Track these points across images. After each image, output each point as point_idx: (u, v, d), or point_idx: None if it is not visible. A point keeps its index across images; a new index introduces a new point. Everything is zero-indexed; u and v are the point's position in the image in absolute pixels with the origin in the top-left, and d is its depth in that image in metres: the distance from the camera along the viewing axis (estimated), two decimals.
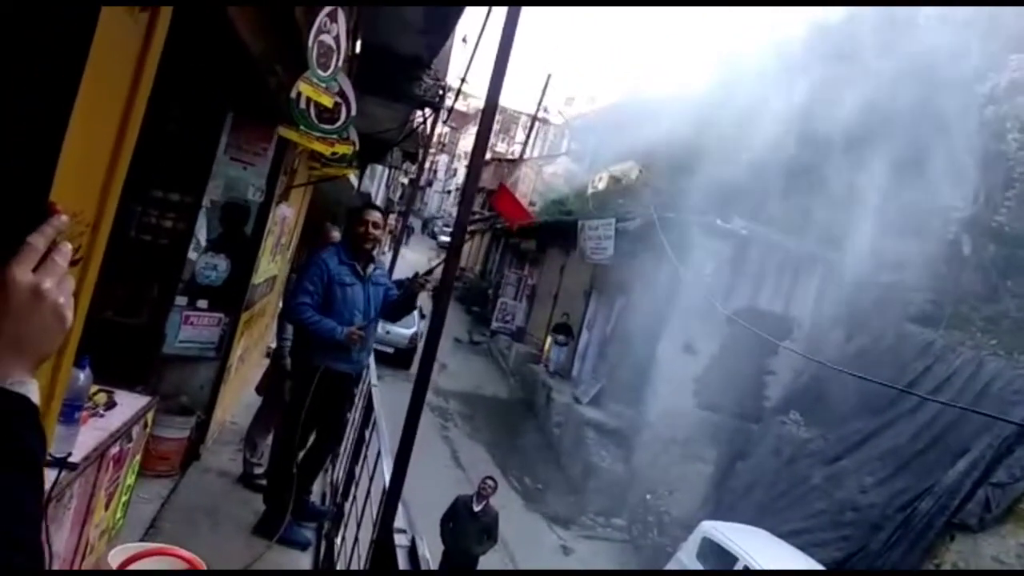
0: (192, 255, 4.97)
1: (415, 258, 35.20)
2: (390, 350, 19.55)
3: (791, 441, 13.33)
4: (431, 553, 8.87)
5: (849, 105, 13.11)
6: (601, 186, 23.26)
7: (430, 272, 4.42)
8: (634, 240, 15.41)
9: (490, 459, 15.08)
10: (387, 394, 18.97)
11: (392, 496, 2.59)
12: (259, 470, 5.09)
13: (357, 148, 5.07)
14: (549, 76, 31.42)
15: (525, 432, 17.10)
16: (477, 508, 8.76)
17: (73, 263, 1.49)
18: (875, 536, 10.81)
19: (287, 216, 6.04)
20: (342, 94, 3.76)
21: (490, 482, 8.98)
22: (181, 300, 4.95)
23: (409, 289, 4.41)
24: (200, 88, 4.52)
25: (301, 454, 4.61)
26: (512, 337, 24.24)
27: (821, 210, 13.64)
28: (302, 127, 3.85)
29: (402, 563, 2.01)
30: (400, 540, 2.16)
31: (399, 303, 4.51)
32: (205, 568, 2.90)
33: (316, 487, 5.18)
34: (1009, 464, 10.26)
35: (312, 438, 4.52)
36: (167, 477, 4.92)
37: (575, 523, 13.37)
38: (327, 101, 3.48)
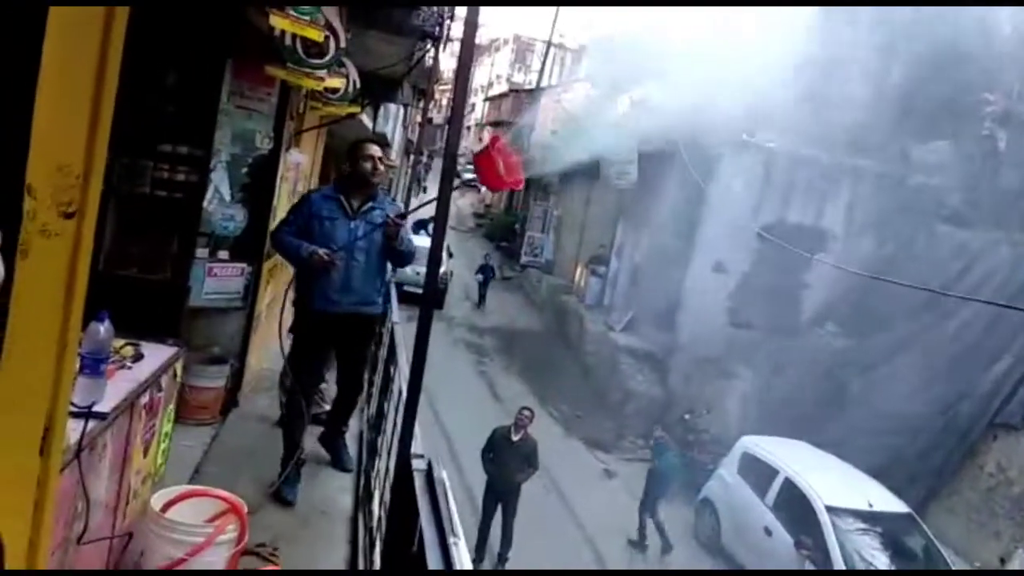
0: (209, 207, 5.00)
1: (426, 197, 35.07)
2: (421, 291, 19.72)
3: (828, 352, 13.27)
4: (472, 482, 9.04)
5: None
6: (623, 110, 22.82)
7: (404, 216, 4.18)
8: (658, 163, 15.16)
9: (528, 391, 15.27)
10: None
11: (408, 421, 2.64)
12: (325, 406, 5.20)
13: (357, 84, 4.99)
14: None
15: (561, 363, 17.26)
16: (515, 438, 8.91)
17: (68, 216, 1.49)
18: (915, 441, 10.81)
19: (300, 162, 6.01)
20: (329, 27, 3.66)
21: (527, 412, 9.10)
22: (202, 253, 4.99)
23: (384, 235, 4.15)
24: (196, 35, 4.45)
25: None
26: (542, 270, 24.25)
27: (848, 117, 13.22)
28: (289, 63, 3.77)
29: (419, 486, 2.04)
30: (417, 464, 2.20)
31: (388, 251, 4.25)
32: (243, 506, 2.99)
33: (354, 424, 5.27)
34: None
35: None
36: (208, 425, 5.06)
37: (615, 447, 13.57)
38: (313, 34, 3.40)
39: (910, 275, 12.11)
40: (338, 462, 4.70)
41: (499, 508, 8.89)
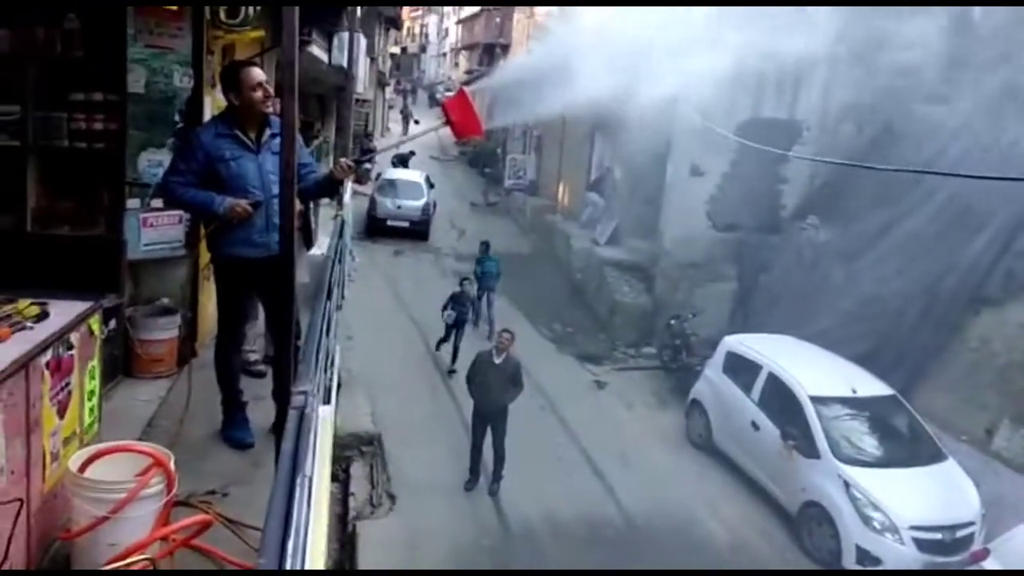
0: (135, 155, 4.83)
1: (416, 130, 34.46)
2: (405, 224, 19.59)
3: (811, 245, 13.19)
4: (466, 405, 9.05)
5: None
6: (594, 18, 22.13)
7: (364, 156, 4.05)
8: None
9: (518, 313, 15.27)
10: (410, 266, 19.02)
11: (282, 357, 2.58)
12: (254, 356, 5.14)
13: (257, 7, 4.72)
14: None
15: (550, 282, 17.23)
16: (498, 360, 8.92)
17: None
18: (900, 323, 10.82)
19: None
20: None
21: (506, 334, 9.09)
22: (133, 204, 4.85)
23: (330, 175, 3.98)
24: None
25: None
26: (526, 192, 23.98)
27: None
28: None
29: (292, 424, 1.97)
30: (296, 401, 2.11)
31: (320, 185, 4.05)
32: (168, 457, 2.95)
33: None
34: None
35: None
36: (165, 378, 5.03)
37: (607, 358, 13.67)
38: None
39: (890, 158, 11.92)
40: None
41: (489, 430, 8.97)
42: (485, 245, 15.27)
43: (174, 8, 3.66)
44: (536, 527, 8.50)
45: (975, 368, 9.82)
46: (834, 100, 14.04)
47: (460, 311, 12.20)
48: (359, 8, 11.88)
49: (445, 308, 12.16)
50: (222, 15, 4.25)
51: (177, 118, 4.92)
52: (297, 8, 2.40)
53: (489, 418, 8.96)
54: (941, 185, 11.16)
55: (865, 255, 12.12)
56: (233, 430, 4.16)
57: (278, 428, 2.64)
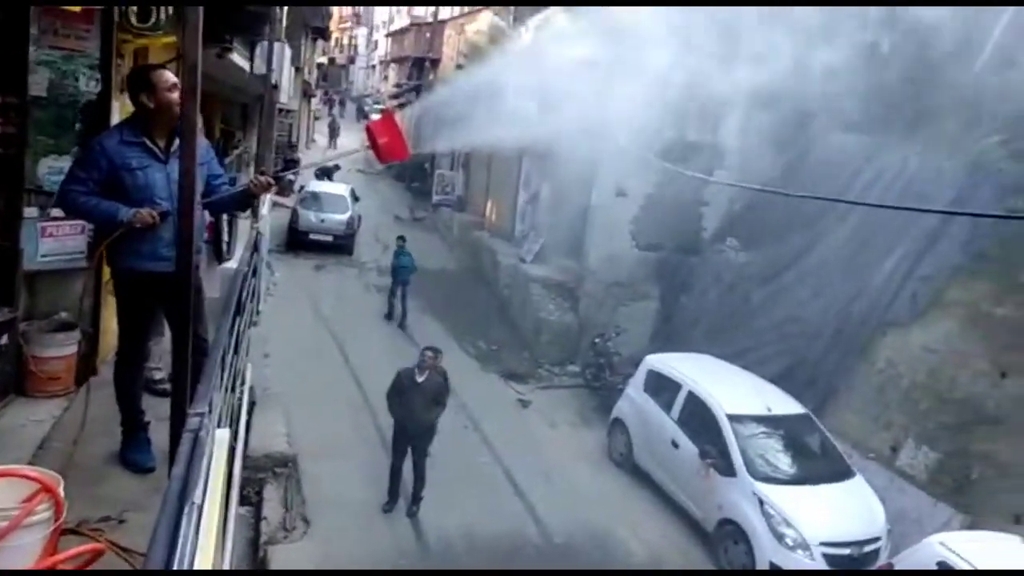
0: (35, 161, 4.57)
1: (347, 144, 34.03)
2: (328, 238, 19.23)
3: (730, 267, 13.53)
4: (385, 423, 8.85)
5: None
6: (527, 39, 22.34)
7: (283, 172, 3.94)
8: None
9: (443, 330, 15.16)
10: (334, 281, 18.65)
11: (179, 378, 2.45)
12: (159, 374, 4.90)
13: (169, 10, 4.55)
14: None
15: (476, 299, 17.18)
16: (420, 379, 8.79)
17: None
18: (813, 344, 11.18)
19: None
20: None
21: (429, 352, 8.97)
22: (31, 212, 4.58)
23: (247, 190, 3.85)
24: None
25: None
26: (454, 208, 23.90)
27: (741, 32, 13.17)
28: None
29: (184, 448, 1.86)
30: (191, 424, 2.00)
31: (233, 199, 3.94)
32: (56, 482, 2.76)
33: None
34: (933, 257, 10.51)
35: None
36: (62, 396, 4.74)
37: (532, 376, 13.67)
38: None
39: (807, 183, 12.37)
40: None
41: (409, 449, 8.81)
42: (401, 239, 16.50)
43: (76, 9, 3.46)
44: (455, 546, 8.40)
45: (882, 388, 10.21)
46: (755, 126, 14.50)
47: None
48: (284, 17, 11.65)
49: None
50: (133, 19, 4.06)
51: (78, 124, 4.68)
52: (201, 8, 2.29)
53: (411, 438, 8.81)
54: (853, 210, 11.62)
55: (782, 277, 12.51)
56: (132, 452, 3.93)
57: (171, 451, 2.49)
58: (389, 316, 15.55)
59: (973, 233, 10.21)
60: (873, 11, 13.11)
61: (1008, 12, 11.76)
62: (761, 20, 12.36)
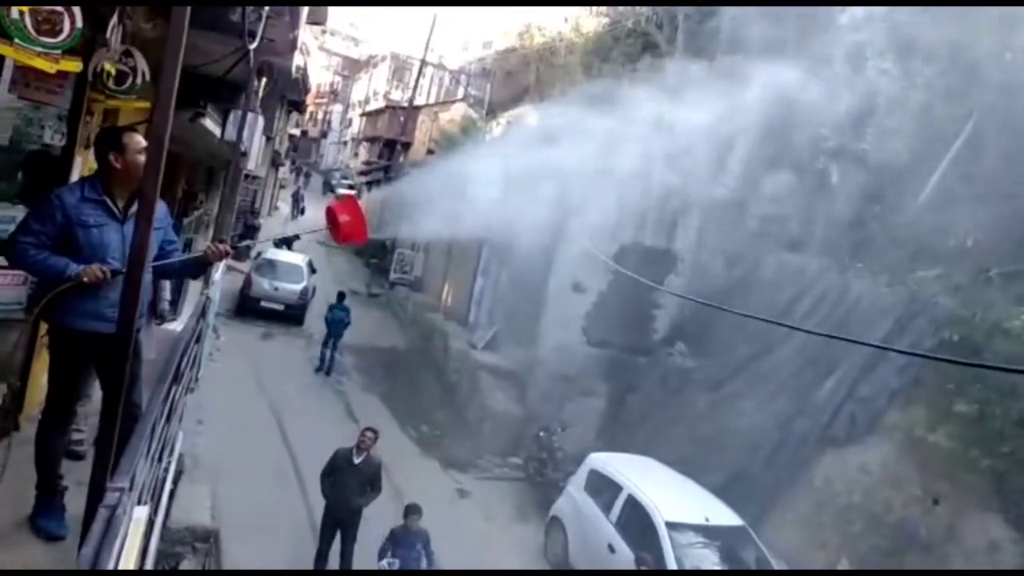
0: None
1: (314, 215, 34.07)
2: (280, 307, 18.99)
3: (677, 371, 13.68)
4: (316, 503, 8.53)
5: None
6: (498, 132, 22.98)
7: (242, 242, 3.95)
8: None
9: (386, 410, 14.93)
10: (281, 351, 18.28)
11: (102, 449, 2.37)
12: (79, 435, 4.70)
13: (146, 76, 4.60)
14: (435, 16, 30.42)
15: (423, 381, 17.00)
16: (357, 460, 8.59)
17: None
18: (754, 457, 11.25)
19: None
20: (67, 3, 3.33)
21: (369, 433, 8.81)
22: None
23: (203, 257, 3.85)
24: None
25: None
26: (411, 287, 23.92)
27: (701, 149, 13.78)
28: (16, 40, 3.36)
29: (98, 525, 1.78)
30: (109, 499, 1.92)
31: (186, 265, 3.96)
32: None
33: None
34: (872, 380, 10.79)
35: None
36: None
37: (472, 466, 13.42)
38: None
39: (755, 297, 12.74)
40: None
41: (338, 533, 8.51)
42: (340, 295, 17.41)
43: (51, 70, 3.50)
44: None
45: (819, 507, 10.28)
46: (708, 238, 14.99)
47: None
48: (260, 88, 11.83)
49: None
50: (110, 82, 4.08)
51: (30, 176, 4.62)
52: (176, 80, 2.33)
53: (340, 521, 8.53)
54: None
55: (726, 387, 12.68)
56: (44, 518, 3.74)
57: (85, 524, 2.37)
58: (319, 368, 16.11)
59: (910, 359, 10.54)
60: (828, 142, 13.85)
61: (949, 154, 12.56)
62: (719, 141, 13.00)
